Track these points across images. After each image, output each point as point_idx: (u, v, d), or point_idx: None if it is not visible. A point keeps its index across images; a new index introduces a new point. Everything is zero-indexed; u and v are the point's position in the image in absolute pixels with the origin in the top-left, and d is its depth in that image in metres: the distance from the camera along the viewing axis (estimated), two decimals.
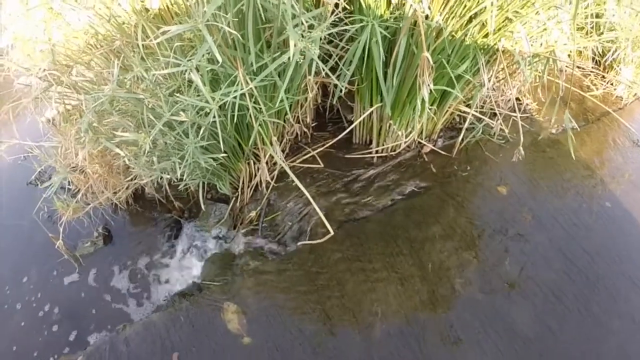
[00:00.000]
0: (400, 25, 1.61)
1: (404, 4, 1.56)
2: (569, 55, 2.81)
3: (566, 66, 1.89)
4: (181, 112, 1.45)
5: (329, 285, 1.77)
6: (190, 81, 1.43)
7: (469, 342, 1.62)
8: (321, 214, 1.28)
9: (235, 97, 1.38)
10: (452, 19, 1.61)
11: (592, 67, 2.87)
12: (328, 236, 1.27)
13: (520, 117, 2.11)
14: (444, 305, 1.72)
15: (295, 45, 1.17)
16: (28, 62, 2.38)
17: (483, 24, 1.63)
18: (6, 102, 2.26)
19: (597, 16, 2.46)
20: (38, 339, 1.91)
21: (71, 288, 2.08)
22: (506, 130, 2.19)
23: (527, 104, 2.52)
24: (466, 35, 1.67)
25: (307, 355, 1.60)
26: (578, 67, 2.87)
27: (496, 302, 1.73)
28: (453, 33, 1.65)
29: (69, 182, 2.27)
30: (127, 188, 2.26)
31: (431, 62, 1.47)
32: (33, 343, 1.89)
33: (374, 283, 1.77)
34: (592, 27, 2.55)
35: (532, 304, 1.73)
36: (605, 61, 2.76)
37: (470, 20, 1.62)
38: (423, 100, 1.63)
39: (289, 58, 1.32)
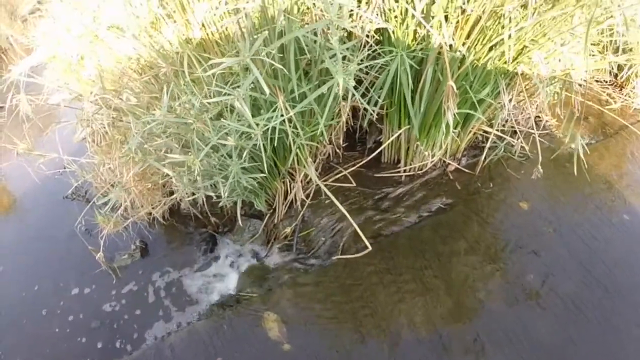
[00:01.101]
0: (427, 55, 1.73)
1: (429, 36, 1.68)
2: (586, 71, 2.87)
3: (582, 83, 1.96)
4: (227, 136, 1.56)
5: (362, 297, 1.87)
6: (232, 106, 1.54)
7: (494, 351, 1.70)
8: (359, 230, 1.40)
9: (276, 123, 1.50)
10: (474, 48, 1.72)
11: (610, 81, 2.92)
12: (366, 251, 1.38)
13: (540, 134, 2.19)
14: (469, 316, 1.80)
15: (341, 81, 1.28)
16: (65, 80, 2.53)
17: (503, 52, 1.73)
18: (44, 119, 2.40)
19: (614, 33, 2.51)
20: (77, 347, 2.01)
21: (109, 298, 2.18)
22: (527, 148, 2.25)
23: (546, 121, 2.59)
24: (487, 63, 1.77)
25: None
26: (597, 81, 2.93)
27: (519, 312, 1.80)
28: (475, 61, 1.76)
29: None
30: (164, 204, 2.38)
31: (455, 90, 1.58)
32: (72, 351, 2.00)
33: (404, 294, 1.87)
34: (609, 42, 2.59)
35: (553, 314, 1.79)
36: (622, 77, 2.81)
37: (490, 49, 1.73)
38: (447, 125, 1.74)
39: (328, 88, 1.44)
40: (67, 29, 2.46)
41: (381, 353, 1.72)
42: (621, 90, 2.86)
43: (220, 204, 2.05)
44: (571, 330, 1.75)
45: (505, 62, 1.78)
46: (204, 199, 2.20)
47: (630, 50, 2.59)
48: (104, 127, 2.37)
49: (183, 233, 2.44)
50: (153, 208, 2.35)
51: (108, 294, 2.20)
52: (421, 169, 2.28)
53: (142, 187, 2.24)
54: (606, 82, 2.94)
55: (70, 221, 2.34)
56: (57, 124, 2.32)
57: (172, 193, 2.27)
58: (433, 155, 2.13)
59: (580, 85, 1.96)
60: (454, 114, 1.62)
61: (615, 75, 2.91)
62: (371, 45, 1.65)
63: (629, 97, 2.81)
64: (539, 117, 2.56)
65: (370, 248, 1.37)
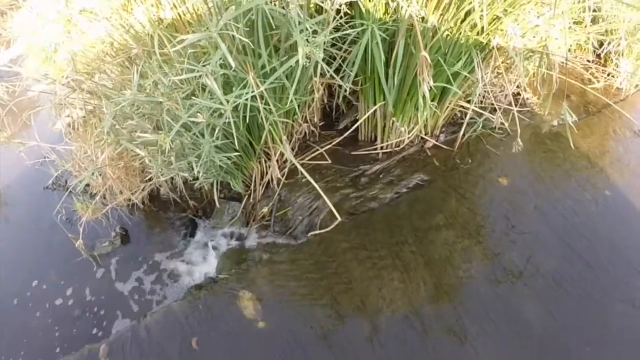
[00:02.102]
0: (398, 27, 1.71)
1: (400, 8, 1.66)
2: (569, 50, 2.85)
3: (565, 60, 1.94)
4: (198, 114, 1.55)
5: (337, 273, 1.86)
6: (204, 85, 1.52)
7: (472, 325, 1.68)
8: (330, 204, 1.38)
9: (247, 99, 1.48)
10: (446, 19, 1.70)
11: (594, 61, 2.91)
12: (336, 222, 1.36)
13: (521, 110, 2.15)
14: (446, 290, 1.79)
15: (301, 50, 1.26)
16: (44, 70, 2.52)
17: (474, 23, 1.71)
18: (23, 108, 2.38)
19: (598, 10, 2.48)
20: (59, 335, 2.00)
21: (90, 286, 2.18)
22: (506, 124, 2.22)
23: (527, 98, 2.58)
24: (460, 34, 1.75)
25: (317, 337, 1.69)
26: (580, 60, 2.91)
27: (497, 287, 1.78)
28: (447, 32, 1.74)
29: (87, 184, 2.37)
30: (143, 189, 2.37)
31: (429, 61, 1.56)
32: (56, 338, 2.00)
33: (380, 270, 1.85)
34: (591, 20, 2.56)
35: (534, 290, 1.77)
36: (603, 53, 2.79)
37: (463, 20, 1.71)
38: (424, 97, 1.72)
39: (296, 61, 1.42)
40: (41, 15, 2.44)
41: (358, 329, 1.71)
42: (604, 70, 2.85)
43: (196, 186, 2.03)
44: (552, 306, 1.73)
45: (477, 33, 1.76)
46: (182, 183, 2.19)
47: (612, 32, 2.58)
48: (79, 112, 2.36)
49: (163, 218, 2.43)
50: (132, 194, 2.34)
51: (89, 282, 2.19)
52: (398, 146, 2.26)
53: (119, 172, 2.22)
54: (589, 61, 2.92)
55: (51, 212, 2.32)
56: (33, 109, 2.29)
57: (151, 179, 2.26)
58: (410, 132, 2.11)
59: (562, 63, 1.94)
60: (430, 87, 1.61)
61: (598, 55, 2.88)
62: (340, 18, 1.62)
63: (612, 76, 2.80)
64: (518, 93, 2.55)
65: (339, 218, 1.35)
